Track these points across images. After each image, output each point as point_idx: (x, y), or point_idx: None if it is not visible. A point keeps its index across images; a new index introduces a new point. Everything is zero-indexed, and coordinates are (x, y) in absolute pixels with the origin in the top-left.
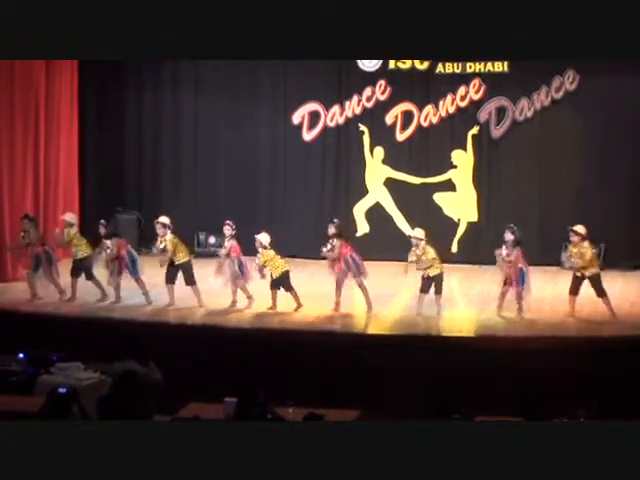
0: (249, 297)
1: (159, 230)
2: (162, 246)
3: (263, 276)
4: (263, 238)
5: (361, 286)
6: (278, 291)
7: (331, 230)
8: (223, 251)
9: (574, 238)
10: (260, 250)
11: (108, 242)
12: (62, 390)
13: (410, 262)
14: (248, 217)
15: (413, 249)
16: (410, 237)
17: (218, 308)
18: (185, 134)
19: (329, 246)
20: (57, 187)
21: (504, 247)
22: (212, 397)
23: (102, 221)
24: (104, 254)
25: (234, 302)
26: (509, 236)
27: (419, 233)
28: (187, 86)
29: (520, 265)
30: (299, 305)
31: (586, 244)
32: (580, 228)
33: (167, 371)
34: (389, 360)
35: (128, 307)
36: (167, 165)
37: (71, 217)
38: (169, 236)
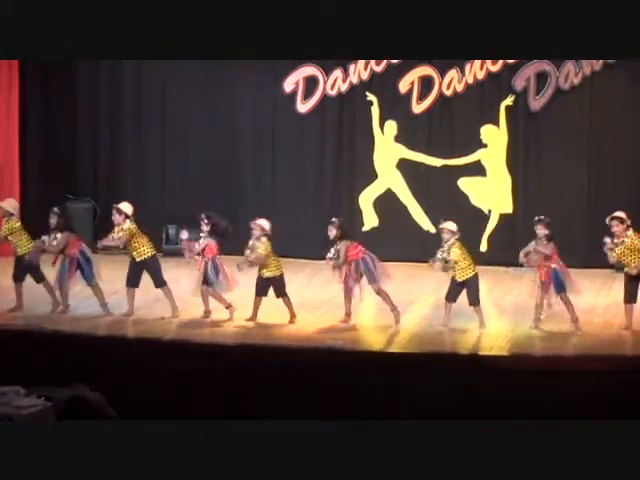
0: (228, 307)
1: (115, 217)
2: (118, 235)
3: (255, 265)
4: (265, 224)
5: (380, 293)
6: (264, 298)
7: (332, 232)
8: (197, 247)
9: (617, 228)
10: (262, 239)
11: (59, 235)
12: None
13: (434, 263)
14: (228, 208)
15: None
16: (440, 229)
17: (192, 319)
18: (150, 106)
19: (333, 252)
20: None
21: (533, 243)
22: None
23: (55, 209)
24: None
25: (207, 312)
26: (542, 231)
27: (451, 225)
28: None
29: (554, 265)
30: (293, 316)
31: (631, 233)
32: (622, 214)
33: (124, 399)
34: (399, 384)
35: (80, 318)
36: (128, 144)
37: (11, 205)
38: (127, 224)
